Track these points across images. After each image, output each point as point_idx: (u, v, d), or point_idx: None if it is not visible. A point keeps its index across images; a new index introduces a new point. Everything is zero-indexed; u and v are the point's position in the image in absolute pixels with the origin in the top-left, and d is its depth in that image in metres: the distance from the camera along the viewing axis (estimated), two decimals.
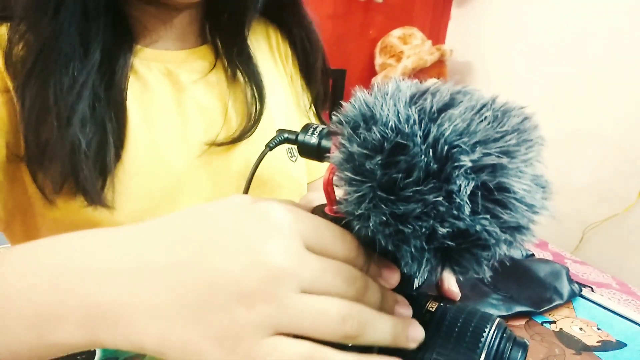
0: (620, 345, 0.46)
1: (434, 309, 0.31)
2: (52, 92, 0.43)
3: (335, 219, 0.30)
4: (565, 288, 0.54)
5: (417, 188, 0.24)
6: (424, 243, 0.25)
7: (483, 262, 0.26)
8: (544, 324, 0.50)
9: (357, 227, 0.27)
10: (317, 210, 0.34)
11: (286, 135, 0.36)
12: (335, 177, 0.29)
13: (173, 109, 0.52)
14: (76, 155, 0.43)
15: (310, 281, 0.24)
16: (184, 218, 0.26)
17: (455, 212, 0.24)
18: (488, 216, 0.24)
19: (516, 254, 0.60)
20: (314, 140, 0.34)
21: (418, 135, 0.25)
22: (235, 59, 0.55)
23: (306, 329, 0.23)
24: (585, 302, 0.54)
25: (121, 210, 0.47)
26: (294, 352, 0.23)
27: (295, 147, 0.59)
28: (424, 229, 0.25)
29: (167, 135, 0.51)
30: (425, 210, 0.24)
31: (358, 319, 0.24)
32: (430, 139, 0.25)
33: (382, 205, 0.25)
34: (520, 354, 0.29)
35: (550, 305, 0.51)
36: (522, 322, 0.50)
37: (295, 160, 0.59)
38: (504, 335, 0.30)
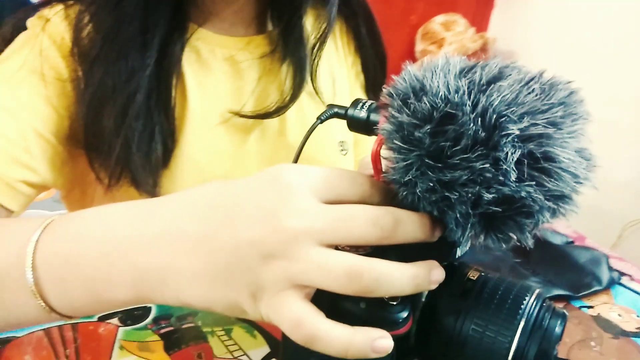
0: None
1: (475, 277, 0.32)
2: (110, 81, 0.45)
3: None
4: (604, 275, 0.53)
5: (465, 156, 0.25)
6: (469, 209, 0.26)
7: (526, 230, 0.27)
8: (582, 309, 0.50)
9: (403, 194, 0.28)
10: None
11: (336, 109, 0.38)
12: (383, 149, 0.30)
13: (230, 94, 0.54)
14: (130, 149, 0.45)
15: (327, 233, 0.26)
16: (210, 191, 0.29)
17: (501, 178, 0.25)
18: (533, 183, 0.25)
19: (556, 239, 0.60)
20: (363, 114, 0.35)
21: (467, 105, 0.26)
22: (288, 45, 0.56)
23: (317, 283, 0.25)
24: (625, 290, 0.54)
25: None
26: (294, 312, 0.25)
27: (350, 145, 0.60)
28: (470, 195, 0.26)
29: (221, 119, 0.52)
30: (471, 177, 0.25)
31: (368, 275, 0.25)
32: (479, 108, 0.25)
33: (430, 172, 0.26)
34: (559, 322, 0.30)
35: (589, 291, 0.51)
36: (560, 305, 0.50)
37: (346, 154, 0.60)
38: (544, 305, 0.30)
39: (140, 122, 0.45)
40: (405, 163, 0.27)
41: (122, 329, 0.43)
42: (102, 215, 0.30)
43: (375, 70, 0.65)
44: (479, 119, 0.25)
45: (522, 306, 0.30)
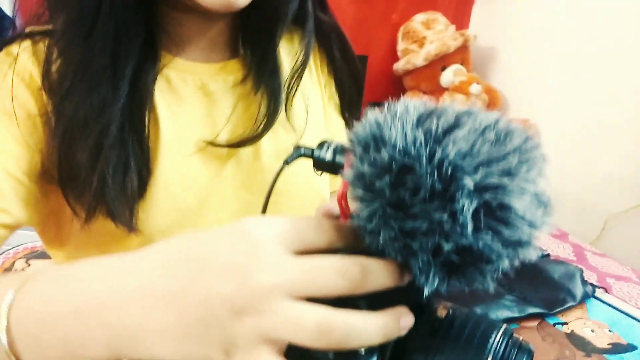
0: (630, 348, 0.47)
1: (444, 315, 0.32)
2: (82, 114, 0.44)
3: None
4: (578, 290, 0.54)
5: (424, 206, 0.26)
6: (430, 257, 0.26)
7: (487, 275, 0.27)
8: (556, 325, 0.50)
9: (368, 241, 0.28)
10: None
11: (302, 151, 0.38)
12: (348, 192, 0.30)
13: (203, 123, 0.53)
14: (105, 182, 0.45)
15: (296, 286, 0.26)
16: (179, 245, 0.29)
17: (459, 229, 0.25)
18: (490, 233, 0.25)
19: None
20: (328, 156, 0.35)
21: (424, 157, 0.26)
22: (262, 73, 0.56)
23: (288, 338, 0.26)
24: (599, 303, 0.55)
25: (151, 226, 0.49)
26: None
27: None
28: (430, 245, 0.26)
29: (195, 148, 0.52)
30: (431, 227, 0.26)
31: (338, 330, 0.25)
32: (436, 160, 0.26)
33: (392, 222, 0.27)
34: (525, 358, 0.30)
35: (563, 307, 0.52)
36: (534, 323, 0.51)
37: (321, 174, 0.60)
38: (510, 341, 0.31)
39: (114, 154, 0.45)
40: (368, 211, 0.28)
41: None
42: (75, 273, 0.31)
43: (350, 91, 0.65)
44: (435, 171, 0.26)
45: (488, 344, 0.30)
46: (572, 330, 0.49)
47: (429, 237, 0.26)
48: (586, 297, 0.54)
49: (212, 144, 0.52)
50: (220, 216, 0.54)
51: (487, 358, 0.30)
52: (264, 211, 0.39)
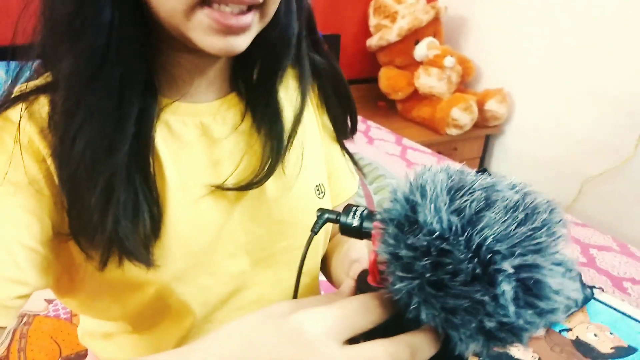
0: (631, 350, 0.51)
1: None
2: (90, 156, 0.44)
3: (377, 287, 0.34)
4: (579, 294, 0.58)
5: (465, 288, 0.28)
6: (473, 332, 0.29)
7: (523, 339, 0.30)
8: (562, 332, 0.54)
9: (408, 314, 0.30)
10: (362, 277, 0.38)
11: (327, 216, 0.39)
12: (380, 263, 0.32)
13: (207, 166, 0.53)
14: (119, 223, 0.45)
15: None
16: (236, 350, 0.30)
17: (501, 310, 0.27)
18: (530, 311, 0.28)
19: None
20: (355, 222, 0.36)
21: (461, 243, 0.28)
22: (262, 115, 0.56)
23: None
24: (598, 304, 0.58)
25: (166, 270, 0.49)
26: None
27: (325, 186, 0.61)
28: (473, 323, 0.28)
29: (202, 192, 0.52)
30: (473, 306, 0.28)
31: None
32: (473, 245, 0.28)
33: (432, 300, 0.29)
34: None
35: (567, 314, 0.55)
36: (542, 332, 0.54)
37: (323, 197, 0.61)
38: None
39: (124, 195, 0.45)
40: (407, 289, 0.30)
41: None
42: None
43: (344, 124, 0.66)
44: (474, 257, 0.27)
45: None
46: (577, 337, 0.53)
47: (470, 314, 0.28)
48: (586, 300, 0.58)
49: (221, 187, 0.52)
50: (231, 251, 0.55)
51: None
52: (296, 290, 0.40)
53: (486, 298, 0.27)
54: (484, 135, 2.44)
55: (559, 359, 0.49)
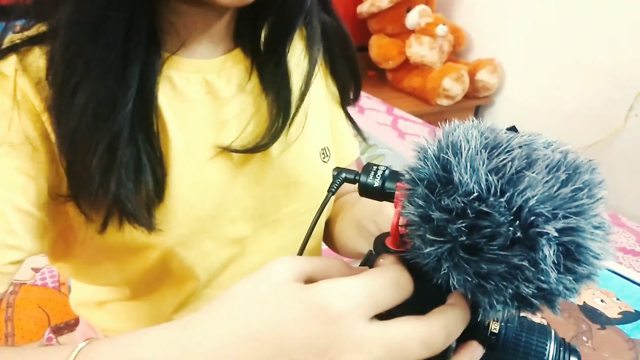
0: (638, 315, 0.51)
1: (497, 330, 0.33)
2: (92, 111, 0.41)
3: (398, 251, 0.32)
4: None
5: (502, 252, 0.26)
6: (507, 299, 0.27)
7: (555, 306, 0.28)
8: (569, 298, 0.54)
9: (437, 280, 0.28)
10: (380, 241, 0.36)
11: (344, 175, 0.36)
12: (405, 225, 0.30)
13: (212, 126, 0.51)
14: (122, 184, 0.42)
15: (380, 355, 0.27)
16: (253, 321, 0.28)
17: (541, 276, 0.26)
18: (570, 277, 0.26)
19: None
20: (377, 183, 0.34)
21: (502, 205, 0.26)
22: (271, 77, 0.53)
23: None
24: (604, 271, 0.58)
25: (169, 234, 0.47)
26: None
27: (330, 150, 0.59)
28: (509, 288, 0.27)
29: (207, 154, 0.50)
30: (510, 271, 0.26)
31: None
32: (514, 207, 0.26)
33: (465, 264, 0.27)
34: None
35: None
36: None
37: (328, 160, 0.59)
38: (562, 348, 0.33)
39: (127, 154, 0.43)
40: (437, 253, 0.28)
41: None
42: (142, 349, 0.30)
43: (349, 89, 0.64)
44: (515, 220, 0.26)
45: (545, 354, 0.32)
46: (584, 302, 0.53)
47: (506, 280, 0.26)
48: None
49: (228, 149, 0.50)
50: (235, 215, 0.53)
51: None
52: (302, 248, 0.37)
53: (525, 263, 0.26)
54: (474, 106, 2.43)
55: (567, 325, 0.49)
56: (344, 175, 0.36)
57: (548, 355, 0.32)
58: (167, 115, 0.48)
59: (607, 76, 1.90)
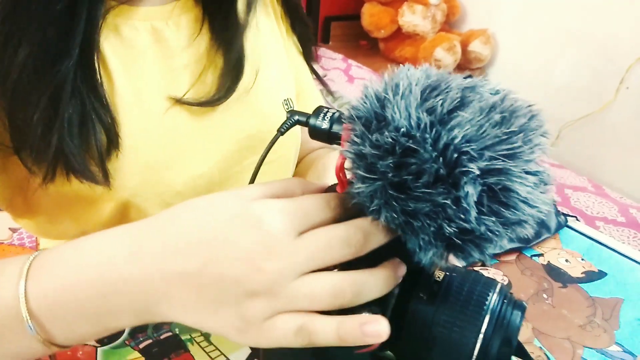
0: (601, 275, 0.50)
1: (441, 278, 0.33)
2: (33, 64, 0.40)
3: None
4: (552, 221, 0.57)
5: (427, 190, 0.26)
6: (431, 238, 0.27)
7: (486, 252, 0.28)
8: (533, 257, 0.53)
9: (369, 214, 0.28)
10: (331, 190, 0.35)
11: (297, 117, 0.36)
12: (347, 166, 0.30)
13: (162, 75, 0.49)
14: (64, 139, 0.41)
15: (306, 265, 0.28)
16: (190, 224, 0.30)
17: (462, 214, 0.25)
18: (493, 218, 0.26)
19: None
20: (325, 125, 0.34)
21: (428, 141, 0.25)
22: (221, 28, 0.52)
23: (304, 309, 0.28)
24: (571, 232, 0.58)
25: (122, 185, 0.46)
26: (289, 327, 0.28)
27: (293, 101, 0.58)
28: (432, 227, 0.26)
29: (161, 105, 0.49)
30: (434, 209, 0.26)
31: (350, 290, 0.28)
32: (440, 144, 0.25)
33: (393, 202, 0.27)
34: (519, 316, 0.32)
35: (539, 240, 0.54)
36: (513, 257, 0.53)
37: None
38: (505, 300, 0.32)
39: (71, 108, 0.42)
40: (369, 190, 0.28)
41: (100, 350, 0.43)
42: (86, 253, 0.32)
43: (309, 40, 0.64)
44: (440, 157, 0.25)
45: (485, 303, 0.32)
46: (548, 262, 0.52)
47: (431, 218, 0.26)
48: (560, 227, 0.57)
49: (180, 101, 0.49)
50: (196, 167, 0.52)
51: (485, 316, 0.31)
52: (253, 180, 0.37)
53: (448, 201, 0.25)
54: None
55: (529, 282, 0.49)
56: (296, 117, 0.36)
57: (489, 305, 0.32)
58: (113, 64, 0.46)
59: (600, 48, 1.87)
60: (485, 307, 0.32)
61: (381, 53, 2.48)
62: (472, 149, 0.25)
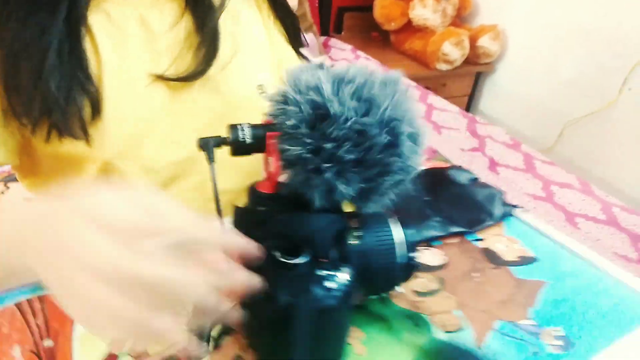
0: (532, 260, 0.56)
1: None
2: (22, 37, 0.46)
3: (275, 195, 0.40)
4: (497, 210, 0.62)
5: (379, 156, 0.35)
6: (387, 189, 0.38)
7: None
8: (474, 242, 0.58)
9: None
10: (252, 190, 0.41)
11: (212, 142, 0.38)
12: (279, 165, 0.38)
13: (147, 54, 0.55)
14: (48, 98, 0.47)
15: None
16: (39, 211, 0.34)
17: (401, 163, 0.37)
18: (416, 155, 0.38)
19: (462, 177, 0.67)
20: (248, 139, 0.38)
21: (372, 123, 0.35)
22: (199, 14, 0.57)
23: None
24: (516, 221, 0.62)
25: (105, 147, 0.53)
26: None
27: (264, 78, 0.64)
28: (388, 181, 0.37)
29: (144, 80, 0.55)
30: (384, 169, 0.36)
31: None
32: (383, 121, 0.35)
33: (353, 177, 0.36)
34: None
35: (482, 226, 0.59)
36: (456, 240, 0.59)
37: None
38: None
39: (56, 72, 0.48)
40: (332, 178, 0.36)
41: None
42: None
43: (292, 26, 0.69)
44: (384, 129, 0.36)
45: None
46: (488, 247, 0.57)
47: (383, 175, 0.36)
48: (504, 216, 0.62)
49: (162, 77, 0.55)
50: (173, 138, 0.58)
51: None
52: (218, 212, 0.39)
53: (395, 158, 0.35)
54: (474, 72, 2.42)
55: (465, 262, 0.54)
56: (212, 143, 0.38)
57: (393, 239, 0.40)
58: (101, 39, 0.53)
59: (606, 45, 1.88)
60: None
61: (391, 46, 2.51)
62: (398, 115, 0.35)
